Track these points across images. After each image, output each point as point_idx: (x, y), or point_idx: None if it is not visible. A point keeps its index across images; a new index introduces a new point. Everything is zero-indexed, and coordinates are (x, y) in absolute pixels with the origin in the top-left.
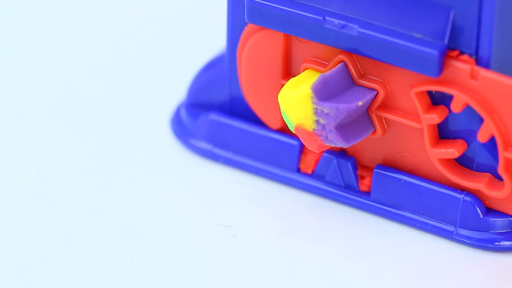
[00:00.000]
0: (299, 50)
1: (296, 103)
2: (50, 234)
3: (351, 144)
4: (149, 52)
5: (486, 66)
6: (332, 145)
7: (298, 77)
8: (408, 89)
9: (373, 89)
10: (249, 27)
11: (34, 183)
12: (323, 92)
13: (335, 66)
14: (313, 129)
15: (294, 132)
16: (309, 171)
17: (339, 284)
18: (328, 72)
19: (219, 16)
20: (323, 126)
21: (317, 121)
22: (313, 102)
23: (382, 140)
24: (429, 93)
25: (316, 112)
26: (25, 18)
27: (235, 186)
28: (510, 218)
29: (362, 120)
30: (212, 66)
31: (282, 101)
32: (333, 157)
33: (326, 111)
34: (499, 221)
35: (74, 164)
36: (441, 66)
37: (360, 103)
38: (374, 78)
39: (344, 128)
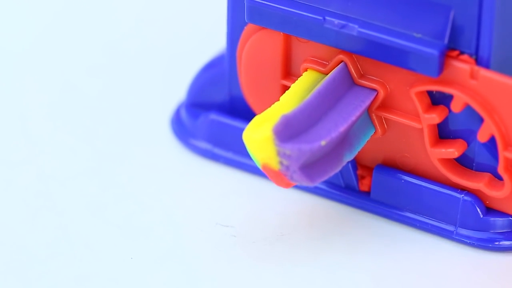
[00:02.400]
0: (299, 50)
1: (259, 144)
2: (50, 234)
3: (317, 183)
4: (149, 52)
5: (486, 66)
6: (299, 184)
7: (264, 113)
8: (408, 89)
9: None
10: (249, 27)
11: (34, 183)
12: (284, 134)
13: (334, 67)
14: (279, 169)
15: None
16: None
17: (339, 284)
18: (291, 112)
19: (219, 16)
20: (287, 167)
21: (280, 162)
22: (275, 144)
23: (382, 140)
24: (429, 93)
25: (279, 153)
26: (25, 17)
27: (235, 186)
28: (510, 218)
29: (330, 157)
30: (212, 66)
31: (246, 140)
32: None
33: (288, 152)
34: (499, 220)
35: (74, 164)
36: (441, 66)
37: (323, 143)
38: (374, 78)
39: (309, 167)
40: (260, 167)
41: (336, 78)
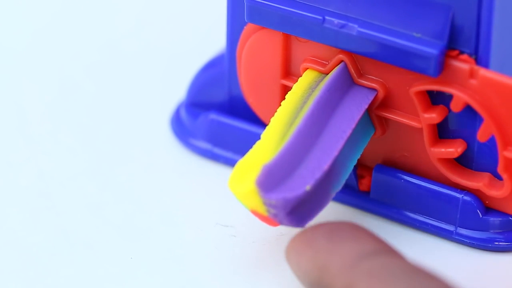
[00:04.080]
0: (299, 50)
1: (244, 196)
2: (50, 234)
3: (308, 224)
4: (149, 52)
5: (486, 65)
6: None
7: (246, 158)
8: (407, 88)
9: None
10: (249, 27)
11: (34, 183)
12: (268, 184)
13: (334, 67)
14: (268, 215)
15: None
16: None
17: None
18: (272, 160)
19: (218, 16)
20: (275, 214)
21: (268, 210)
22: (260, 196)
23: (382, 140)
24: (429, 92)
25: (265, 203)
26: (24, 16)
27: None
28: (510, 218)
29: (317, 195)
30: (211, 66)
31: (231, 190)
32: None
33: (273, 203)
34: (499, 220)
35: (74, 164)
36: (441, 66)
37: (307, 188)
38: (374, 77)
39: (297, 211)
40: (249, 210)
41: (321, 100)
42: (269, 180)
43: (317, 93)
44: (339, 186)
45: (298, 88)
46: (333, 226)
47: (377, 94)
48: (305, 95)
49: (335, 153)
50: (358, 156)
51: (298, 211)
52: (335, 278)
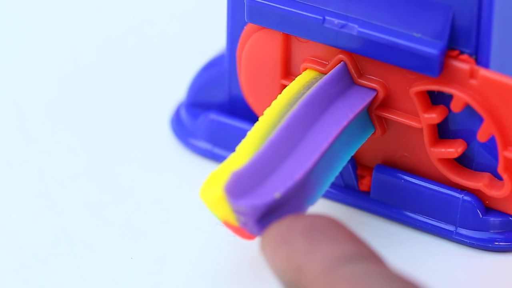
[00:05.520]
0: (299, 50)
1: (214, 203)
2: (50, 234)
3: None
4: (149, 52)
5: (486, 65)
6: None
7: (219, 168)
8: (407, 88)
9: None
10: (249, 27)
11: (34, 183)
12: (236, 191)
13: (334, 67)
14: (238, 224)
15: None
16: None
17: None
18: (242, 167)
19: (219, 16)
20: (245, 223)
21: (238, 218)
22: (229, 202)
23: (382, 140)
24: (429, 92)
25: (234, 211)
26: (24, 17)
27: None
28: (510, 218)
29: (290, 205)
30: (212, 66)
31: (202, 199)
32: None
33: (242, 209)
34: (499, 220)
35: (74, 164)
36: (441, 66)
37: (277, 196)
38: (374, 77)
39: (267, 220)
40: (221, 222)
41: (307, 104)
42: (238, 187)
43: (303, 97)
44: (312, 202)
45: (289, 89)
46: (311, 221)
47: (377, 94)
48: (295, 97)
49: (309, 164)
50: (352, 154)
51: (268, 220)
52: (313, 283)
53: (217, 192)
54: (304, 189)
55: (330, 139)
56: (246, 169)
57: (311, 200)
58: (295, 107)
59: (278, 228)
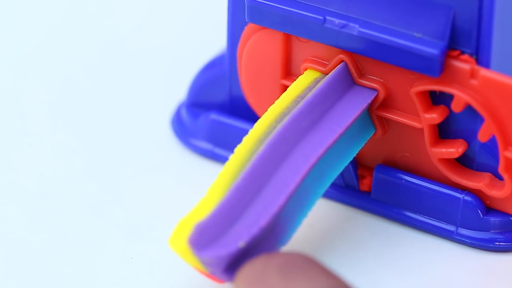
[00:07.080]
0: (300, 50)
1: (182, 254)
2: (50, 234)
3: None
4: (150, 52)
5: (487, 65)
6: None
7: (189, 215)
8: (408, 88)
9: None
10: (250, 27)
11: (34, 183)
12: (200, 242)
13: (335, 67)
14: (208, 273)
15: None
16: None
17: None
18: (205, 218)
19: (219, 16)
20: (213, 272)
21: (206, 268)
22: (194, 254)
23: (383, 140)
24: (430, 92)
25: (201, 261)
26: (26, 17)
27: None
28: (511, 218)
29: (260, 250)
30: (212, 66)
31: (172, 248)
32: None
33: (207, 260)
34: (499, 220)
35: (74, 164)
36: (442, 66)
37: (241, 244)
38: (374, 78)
39: (236, 267)
40: (195, 269)
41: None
42: (202, 238)
43: (281, 123)
44: (284, 242)
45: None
46: (285, 258)
47: (377, 94)
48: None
49: (275, 209)
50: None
51: (238, 265)
52: None
53: (181, 245)
54: (273, 231)
55: (298, 178)
56: (209, 219)
57: (283, 241)
58: (262, 146)
59: (252, 267)
